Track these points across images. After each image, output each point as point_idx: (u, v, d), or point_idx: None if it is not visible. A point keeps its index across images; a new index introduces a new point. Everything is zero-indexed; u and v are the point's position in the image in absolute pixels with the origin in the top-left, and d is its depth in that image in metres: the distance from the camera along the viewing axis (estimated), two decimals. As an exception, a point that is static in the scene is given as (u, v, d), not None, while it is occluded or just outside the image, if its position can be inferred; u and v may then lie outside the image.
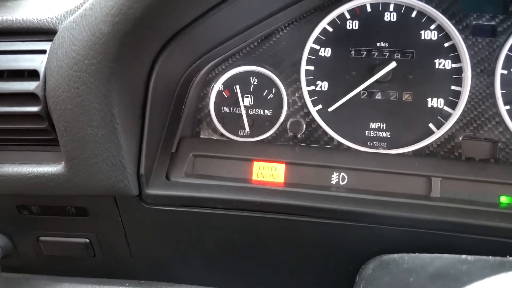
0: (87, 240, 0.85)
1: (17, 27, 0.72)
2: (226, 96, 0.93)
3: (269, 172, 0.83)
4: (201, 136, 0.91)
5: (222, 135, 0.91)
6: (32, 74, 0.70)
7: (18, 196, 0.80)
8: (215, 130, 0.91)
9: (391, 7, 0.90)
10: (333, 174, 0.82)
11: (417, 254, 0.65)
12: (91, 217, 0.81)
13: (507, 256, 0.59)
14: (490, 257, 0.56)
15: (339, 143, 0.87)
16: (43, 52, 0.70)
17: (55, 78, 0.64)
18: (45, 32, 0.71)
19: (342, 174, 0.82)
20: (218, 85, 0.92)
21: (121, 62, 0.62)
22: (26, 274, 0.94)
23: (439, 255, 0.60)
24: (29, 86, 0.69)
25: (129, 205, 0.78)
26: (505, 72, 0.85)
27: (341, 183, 0.81)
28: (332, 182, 0.81)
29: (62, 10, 0.71)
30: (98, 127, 0.66)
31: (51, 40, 0.70)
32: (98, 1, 0.58)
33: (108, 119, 0.66)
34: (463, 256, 0.56)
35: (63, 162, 0.71)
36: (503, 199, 0.77)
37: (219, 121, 0.91)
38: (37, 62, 0.69)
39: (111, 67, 0.61)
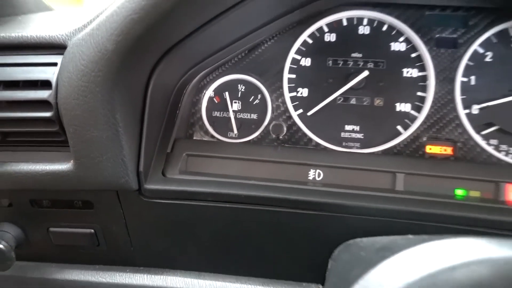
0: (92, 231, 0.94)
1: (31, 42, 0.82)
2: (216, 101, 1.03)
3: (254, 170, 0.93)
4: (194, 138, 1.01)
5: (212, 136, 1.00)
6: (44, 84, 0.79)
7: (31, 191, 0.89)
8: (206, 132, 1.01)
9: (365, 21, 0.99)
10: (310, 171, 0.91)
11: (373, 237, 0.76)
12: (96, 210, 0.90)
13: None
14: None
15: (317, 144, 0.97)
16: (54, 64, 0.80)
17: (66, 88, 0.74)
18: (56, 47, 0.80)
19: (318, 170, 0.91)
20: (209, 92, 1.02)
21: (123, 74, 0.72)
22: (37, 262, 1.03)
23: (390, 236, 0.70)
24: (43, 94, 0.78)
25: (129, 199, 0.88)
26: (465, 79, 0.94)
27: (317, 179, 0.91)
28: (309, 178, 0.91)
29: (70, 28, 0.81)
30: (103, 130, 0.76)
31: (61, 54, 0.79)
32: (104, 22, 0.68)
33: (112, 123, 0.76)
34: (408, 235, 0.65)
35: (72, 161, 0.81)
36: (459, 192, 0.86)
37: (210, 124, 1.01)
38: (49, 74, 0.79)
39: (114, 78, 0.71)
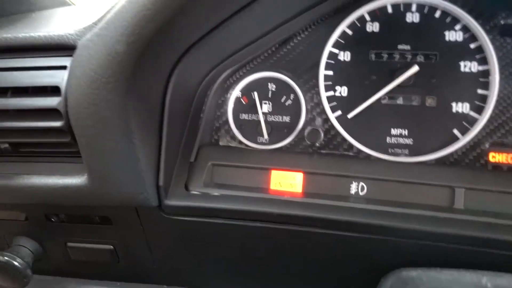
0: (111, 247, 0.88)
1: (39, 43, 0.74)
2: (244, 102, 0.92)
3: (287, 182, 0.82)
4: (220, 144, 0.92)
5: (240, 142, 0.91)
6: (54, 89, 0.72)
7: (46, 205, 0.83)
8: (233, 137, 0.91)
9: (414, 8, 0.86)
10: (352, 183, 0.80)
11: (436, 272, 0.64)
12: (115, 226, 0.84)
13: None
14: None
15: (359, 151, 0.86)
16: (63, 68, 0.72)
17: (75, 96, 0.66)
18: (65, 48, 0.73)
19: (361, 184, 0.80)
20: (236, 92, 0.92)
21: (137, 79, 0.63)
22: (56, 277, 0.98)
23: (459, 273, 0.58)
24: (52, 102, 0.71)
25: (149, 215, 0.80)
26: (536, 74, 0.80)
27: (360, 194, 0.80)
28: (351, 192, 0.80)
29: (80, 25, 0.73)
30: (117, 141, 0.68)
31: (71, 55, 0.71)
32: (112, 21, 0.59)
33: (126, 133, 0.67)
34: (484, 278, 0.54)
35: (86, 174, 0.73)
36: (532, 211, 0.74)
37: (237, 128, 0.91)
38: (59, 78, 0.71)
39: (128, 84, 0.62)
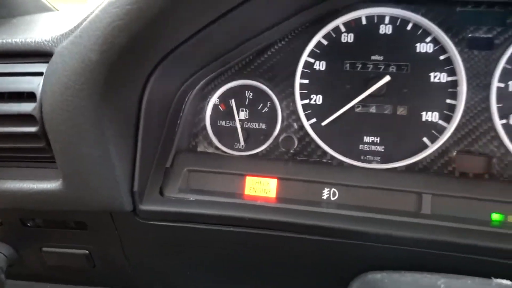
0: (87, 252, 0.88)
1: (15, 49, 0.75)
2: (222, 109, 0.94)
3: (262, 187, 0.84)
4: (198, 149, 0.93)
5: (217, 148, 0.92)
6: (30, 95, 0.73)
7: (21, 210, 0.83)
8: (210, 143, 0.93)
9: (387, 20, 0.89)
10: (324, 189, 0.82)
11: (399, 274, 0.66)
12: (90, 231, 0.84)
13: (491, 277, 0.59)
14: (467, 279, 0.56)
15: (333, 157, 0.88)
16: (40, 74, 0.72)
17: (50, 102, 0.66)
18: (42, 55, 0.73)
19: (333, 189, 0.82)
20: (214, 99, 0.94)
21: (111, 87, 0.64)
22: (31, 282, 0.98)
23: (419, 275, 0.60)
24: (27, 107, 0.72)
25: (124, 220, 0.81)
26: (502, 85, 0.83)
27: (332, 199, 0.82)
28: (323, 197, 0.82)
29: (57, 32, 0.73)
30: (92, 147, 0.68)
31: (47, 62, 0.72)
32: (86, 29, 0.60)
33: (101, 140, 0.68)
34: (441, 280, 0.56)
35: (60, 179, 0.74)
36: (495, 217, 0.76)
37: (215, 134, 0.93)
38: (35, 84, 0.72)
39: (101, 92, 0.63)
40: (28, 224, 0.87)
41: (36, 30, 0.85)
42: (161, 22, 0.57)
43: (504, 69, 0.83)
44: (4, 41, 0.76)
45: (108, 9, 0.56)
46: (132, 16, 0.55)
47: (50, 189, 0.75)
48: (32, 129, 0.72)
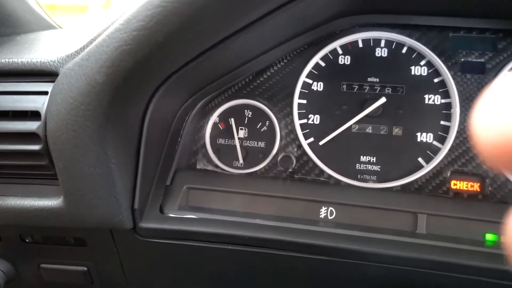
0: (85, 269, 0.88)
1: (21, 69, 0.77)
2: (221, 128, 0.96)
3: (260, 206, 0.85)
4: (197, 167, 0.94)
5: (216, 166, 0.93)
6: (34, 114, 0.74)
7: (21, 226, 0.84)
8: (210, 161, 0.94)
9: (382, 43, 0.92)
10: (321, 208, 0.84)
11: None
12: (89, 247, 0.84)
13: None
14: None
15: (330, 176, 0.89)
16: (45, 93, 0.74)
17: (55, 121, 0.68)
18: (47, 74, 0.75)
19: (330, 208, 0.83)
20: (214, 118, 0.95)
21: (115, 108, 0.65)
22: (29, 299, 0.97)
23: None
24: (31, 126, 0.73)
25: (124, 237, 0.81)
26: (494, 108, 0.86)
27: (329, 218, 0.83)
28: (320, 216, 0.83)
29: (63, 53, 0.75)
30: (94, 166, 0.70)
31: (53, 81, 0.74)
32: (93, 53, 0.62)
33: (104, 159, 0.69)
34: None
35: (62, 197, 0.75)
36: (489, 237, 0.77)
37: (214, 152, 0.94)
38: (39, 103, 0.74)
39: (106, 112, 0.65)
40: (27, 240, 0.87)
41: (40, 49, 0.87)
42: (167, 47, 0.59)
43: (495, 92, 0.86)
44: (10, 60, 0.78)
45: (115, 35, 0.58)
46: (139, 42, 0.57)
47: (51, 206, 0.75)
48: (36, 147, 0.73)
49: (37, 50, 0.86)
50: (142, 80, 0.65)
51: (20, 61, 0.77)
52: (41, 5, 1.25)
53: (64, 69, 0.68)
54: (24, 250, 0.88)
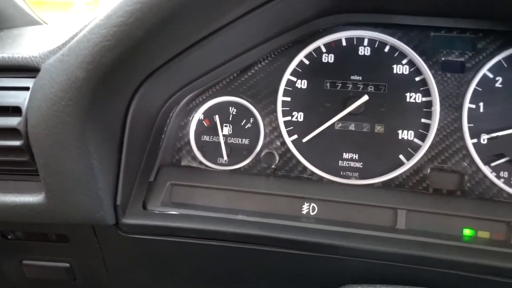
0: (68, 265, 0.88)
1: (3, 64, 0.76)
2: (206, 125, 0.96)
3: (243, 202, 0.86)
4: (182, 164, 0.94)
5: (201, 163, 0.94)
6: (15, 110, 0.74)
7: (2, 223, 0.83)
8: (194, 158, 0.94)
9: (365, 42, 0.93)
10: (303, 204, 0.85)
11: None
12: (71, 243, 0.84)
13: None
14: None
15: (313, 173, 0.90)
16: (26, 89, 0.73)
17: (35, 117, 0.67)
18: (28, 70, 0.75)
19: (312, 204, 0.84)
20: (198, 114, 0.96)
21: (96, 104, 0.65)
22: (10, 295, 0.97)
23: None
24: (12, 121, 0.72)
25: (106, 233, 0.81)
26: (473, 106, 0.88)
27: (311, 214, 0.84)
28: (302, 212, 0.84)
29: (45, 49, 0.75)
30: (75, 162, 0.69)
31: (34, 77, 0.73)
32: (74, 48, 0.62)
33: (85, 154, 0.69)
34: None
35: (43, 193, 0.74)
36: (466, 232, 0.79)
37: (198, 149, 0.95)
38: (21, 99, 0.73)
39: (87, 108, 0.65)
40: (9, 237, 0.87)
41: (23, 45, 0.86)
42: (147, 43, 0.59)
43: (475, 91, 0.88)
44: (-9, 55, 0.77)
45: (95, 30, 0.58)
46: (119, 38, 0.57)
47: (32, 202, 0.75)
48: (17, 142, 0.73)
49: (20, 46, 0.85)
50: (123, 76, 0.65)
51: (2, 56, 0.76)
52: (25, 0, 1.24)
53: (46, 64, 0.68)
54: (6, 247, 0.87)
